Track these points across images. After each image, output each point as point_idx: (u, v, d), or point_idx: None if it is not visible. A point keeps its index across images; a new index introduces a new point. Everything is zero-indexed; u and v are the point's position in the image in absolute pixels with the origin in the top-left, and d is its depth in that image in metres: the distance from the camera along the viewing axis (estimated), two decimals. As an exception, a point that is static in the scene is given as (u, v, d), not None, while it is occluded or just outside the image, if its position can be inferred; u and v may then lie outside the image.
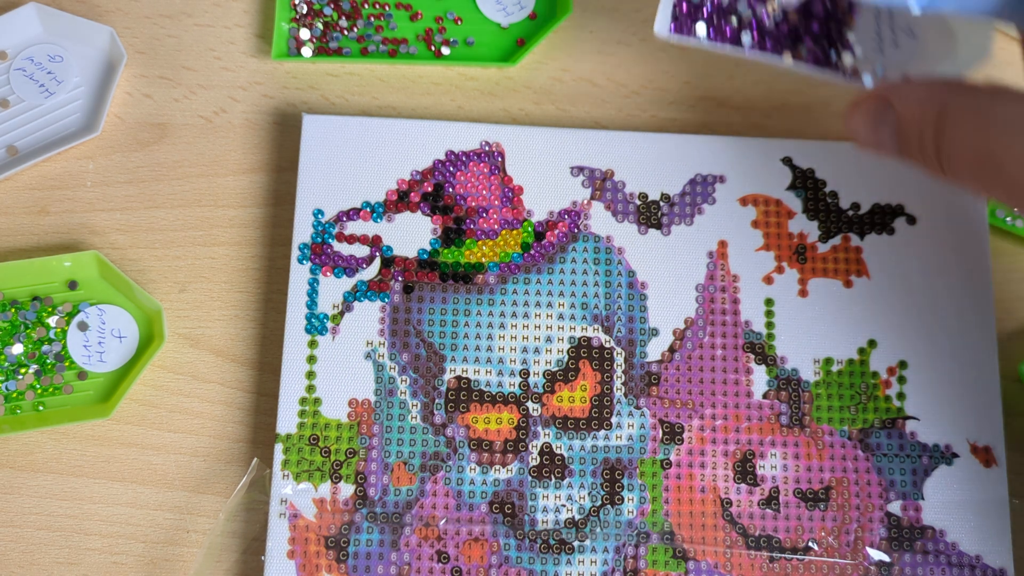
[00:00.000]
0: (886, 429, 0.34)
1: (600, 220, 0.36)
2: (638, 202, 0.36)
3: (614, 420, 0.34)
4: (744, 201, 0.36)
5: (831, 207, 0.36)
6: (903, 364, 0.35)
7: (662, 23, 0.32)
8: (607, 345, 0.34)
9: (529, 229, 0.35)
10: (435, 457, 0.33)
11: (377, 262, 0.35)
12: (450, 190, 0.36)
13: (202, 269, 0.36)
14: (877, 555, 0.33)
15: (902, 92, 0.29)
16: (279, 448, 0.33)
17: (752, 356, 0.35)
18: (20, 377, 0.34)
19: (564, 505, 0.33)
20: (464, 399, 0.34)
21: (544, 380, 0.34)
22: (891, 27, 0.33)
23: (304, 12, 0.38)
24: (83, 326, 0.35)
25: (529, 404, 0.34)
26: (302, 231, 0.35)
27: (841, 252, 0.36)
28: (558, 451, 0.33)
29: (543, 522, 0.33)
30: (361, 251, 0.35)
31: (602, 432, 0.34)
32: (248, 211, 0.36)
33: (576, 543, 0.33)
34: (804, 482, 0.34)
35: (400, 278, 0.35)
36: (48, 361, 0.34)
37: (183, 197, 0.36)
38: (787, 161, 0.37)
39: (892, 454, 0.34)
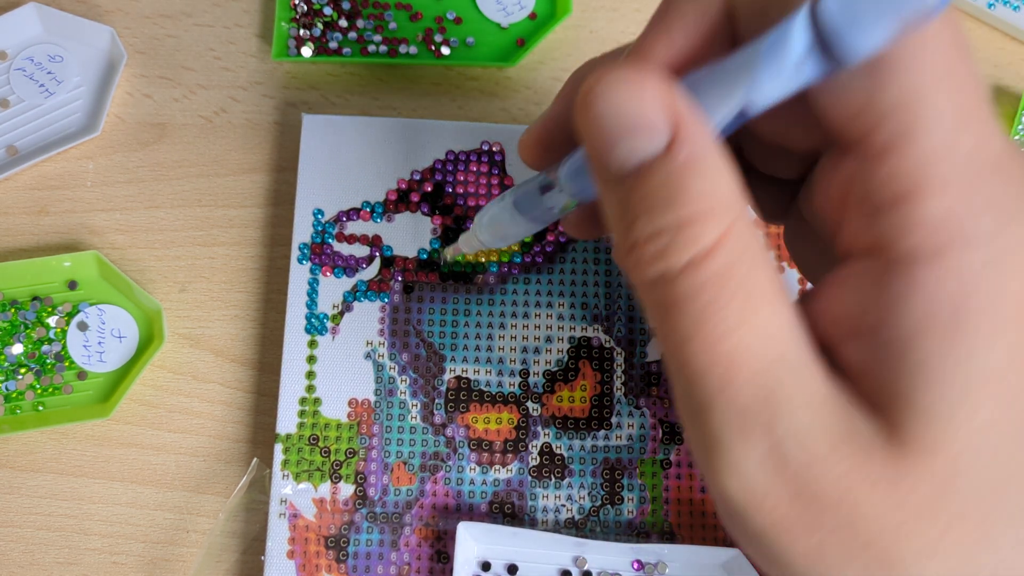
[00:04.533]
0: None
1: (600, 220, 0.36)
2: (638, 202, 0.36)
3: (614, 420, 0.34)
4: (744, 201, 0.36)
5: (831, 207, 0.36)
6: (903, 364, 0.35)
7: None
8: (607, 345, 0.34)
9: (529, 229, 0.35)
10: (435, 457, 0.33)
11: (377, 262, 0.35)
12: (450, 190, 0.36)
13: (202, 269, 0.36)
14: None
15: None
16: (279, 448, 0.33)
17: (752, 356, 0.35)
18: (20, 377, 0.34)
19: (564, 505, 0.33)
20: (464, 399, 0.34)
21: (544, 380, 0.34)
22: None
23: (304, 12, 0.38)
24: (83, 326, 0.35)
25: (529, 404, 0.34)
26: (302, 231, 0.35)
27: (841, 252, 0.36)
28: (558, 451, 0.33)
29: (543, 522, 0.33)
30: (361, 251, 0.35)
31: (602, 432, 0.34)
32: (248, 211, 0.36)
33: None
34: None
35: (400, 278, 0.35)
36: (48, 361, 0.34)
37: (183, 197, 0.36)
38: (787, 161, 0.36)
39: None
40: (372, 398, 0.34)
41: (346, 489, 0.33)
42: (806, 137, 0.22)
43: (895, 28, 0.16)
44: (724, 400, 0.19)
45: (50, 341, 0.35)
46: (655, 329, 0.20)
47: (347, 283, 0.35)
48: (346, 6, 0.38)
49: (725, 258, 0.18)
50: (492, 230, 0.28)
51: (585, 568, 0.32)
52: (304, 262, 0.35)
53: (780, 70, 0.18)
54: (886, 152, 0.18)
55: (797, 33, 0.17)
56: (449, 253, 0.33)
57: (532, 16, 0.39)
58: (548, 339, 0.34)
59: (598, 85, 0.19)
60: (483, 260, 0.35)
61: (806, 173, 0.24)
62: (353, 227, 0.35)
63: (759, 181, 0.26)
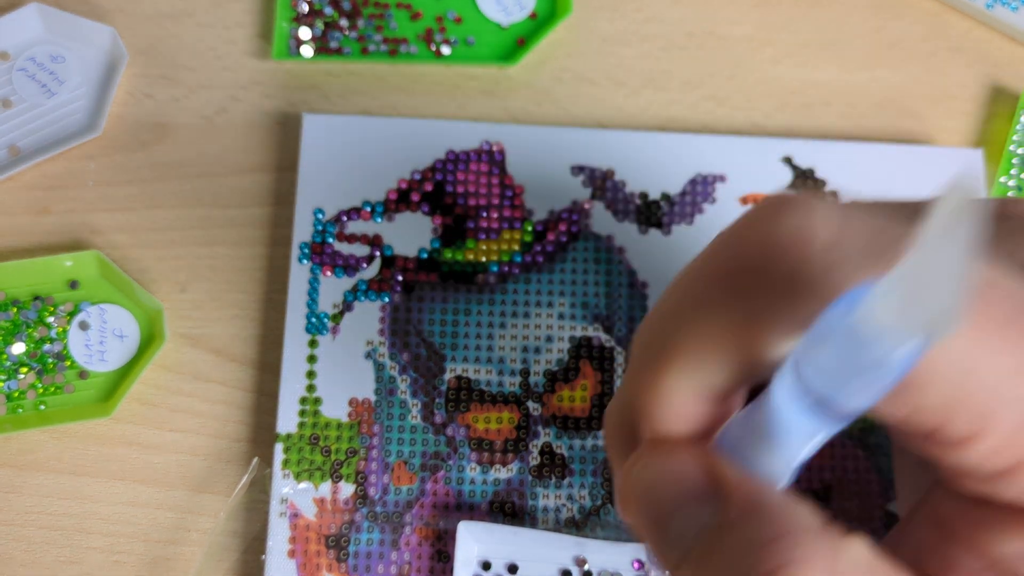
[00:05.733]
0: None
1: (600, 220, 0.36)
2: (638, 202, 0.36)
3: (614, 420, 0.34)
4: (744, 201, 0.36)
5: (831, 207, 0.36)
6: (903, 364, 0.35)
7: None
8: (607, 345, 0.34)
9: (529, 229, 0.35)
10: (435, 457, 0.33)
11: (377, 262, 0.35)
12: (450, 190, 0.36)
13: (203, 269, 0.36)
14: None
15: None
16: (279, 448, 0.33)
17: (752, 356, 0.35)
18: (21, 376, 0.34)
19: (564, 505, 0.33)
20: (464, 399, 0.34)
21: (544, 380, 0.34)
22: None
23: (304, 12, 0.38)
24: (84, 325, 0.35)
25: (529, 404, 0.34)
26: (302, 231, 0.35)
27: (841, 252, 0.36)
28: (558, 451, 0.33)
29: (543, 522, 0.33)
30: (361, 251, 0.35)
31: (602, 432, 0.34)
32: (248, 211, 0.36)
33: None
34: (804, 482, 0.34)
35: (400, 278, 0.35)
36: (49, 360, 0.34)
37: (184, 197, 0.37)
38: (787, 161, 0.37)
39: (893, 454, 0.34)
40: (372, 398, 0.34)
41: (346, 489, 0.33)
42: None
43: (880, 391, 0.14)
44: None
45: (51, 340, 0.35)
46: None
47: (347, 283, 0.35)
48: (346, 6, 0.38)
49: None
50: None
51: (586, 568, 0.32)
52: (304, 262, 0.35)
53: (797, 439, 0.16)
54: (971, 441, 0.16)
55: (789, 408, 0.16)
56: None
57: (532, 16, 0.39)
58: (548, 339, 0.34)
59: (631, 477, 0.18)
60: (483, 259, 0.35)
61: None
62: (353, 227, 0.35)
63: None
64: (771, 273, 0.16)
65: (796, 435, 0.16)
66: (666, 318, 0.18)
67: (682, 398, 0.18)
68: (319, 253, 0.35)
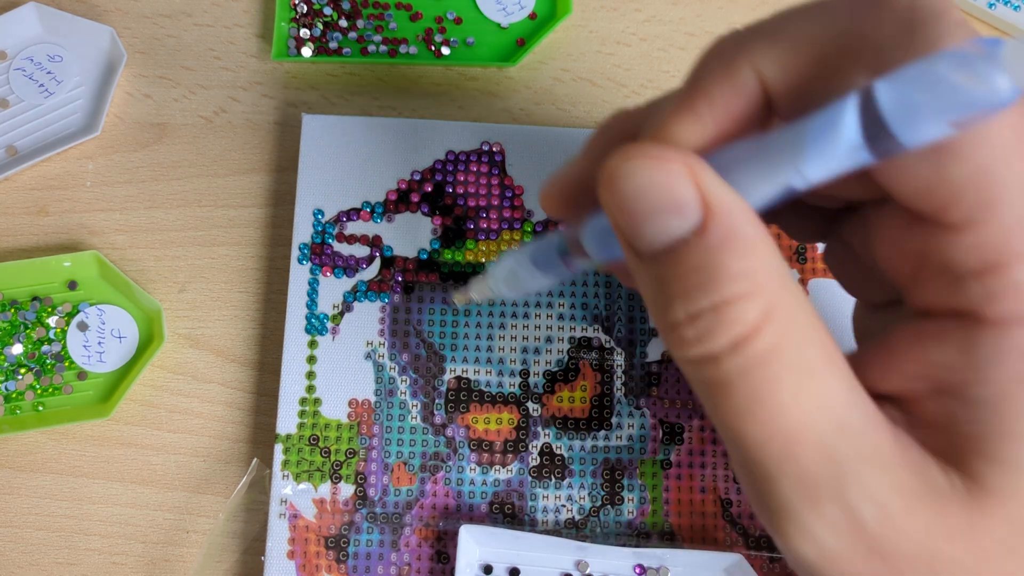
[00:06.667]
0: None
1: (600, 220, 0.36)
2: (638, 202, 0.36)
3: (614, 420, 0.34)
4: (744, 201, 0.36)
5: (831, 207, 0.36)
6: (903, 364, 0.35)
7: None
8: (607, 345, 0.34)
9: (529, 229, 0.35)
10: (435, 457, 0.33)
11: (377, 262, 0.35)
12: (450, 190, 0.36)
13: (202, 269, 0.36)
14: None
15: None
16: (279, 448, 0.33)
17: (752, 356, 0.35)
18: (20, 377, 0.34)
19: (564, 505, 0.33)
20: (464, 399, 0.34)
21: (544, 380, 0.34)
22: None
23: (304, 12, 0.38)
24: (83, 326, 0.35)
25: (529, 404, 0.34)
26: (302, 231, 0.35)
27: (841, 252, 0.36)
28: (558, 451, 0.33)
29: (543, 523, 0.33)
30: (361, 251, 0.35)
31: (602, 432, 0.34)
32: (248, 211, 0.36)
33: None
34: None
35: (400, 278, 0.35)
36: (48, 361, 0.34)
37: (183, 197, 0.36)
38: (787, 161, 0.36)
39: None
40: (372, 398, 0.34)
41: (346, 489, 0.33)
42: (863, 191, 0.21)
43: (958, 123, 0.15)
44: (788, 471, 0.19)
45: (50, 341, 0.34)
46: (702, 403, 0.19)
47: (347, 283, 0.35)
48: (346, 6, 0.38)
49: (771, 337, 0.18)
50: (508, 283, 0.27)
51: (587, 572, 0.32)
52: (304, 262, 0.35)
53: (829, 156, 0.17)
54: (966, 227, 0.18)
55: (847, 120, 0.16)
56: (459, 300, 0.31)
57: (532, 16, 0.39)
58: (548, 339, 0.34)
59: (624, 164, 0.18)
60: (483, 260, 0.35)
61: (850, 203, 0.24)
62: (353, 227, 0.35)
63: (794, 205, 0.24)
64: (889, 6, 0.18)
65: (826, 163, 0.17)
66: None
67: (724, 86, 0.20)
68: (319, 254, 0.35)
